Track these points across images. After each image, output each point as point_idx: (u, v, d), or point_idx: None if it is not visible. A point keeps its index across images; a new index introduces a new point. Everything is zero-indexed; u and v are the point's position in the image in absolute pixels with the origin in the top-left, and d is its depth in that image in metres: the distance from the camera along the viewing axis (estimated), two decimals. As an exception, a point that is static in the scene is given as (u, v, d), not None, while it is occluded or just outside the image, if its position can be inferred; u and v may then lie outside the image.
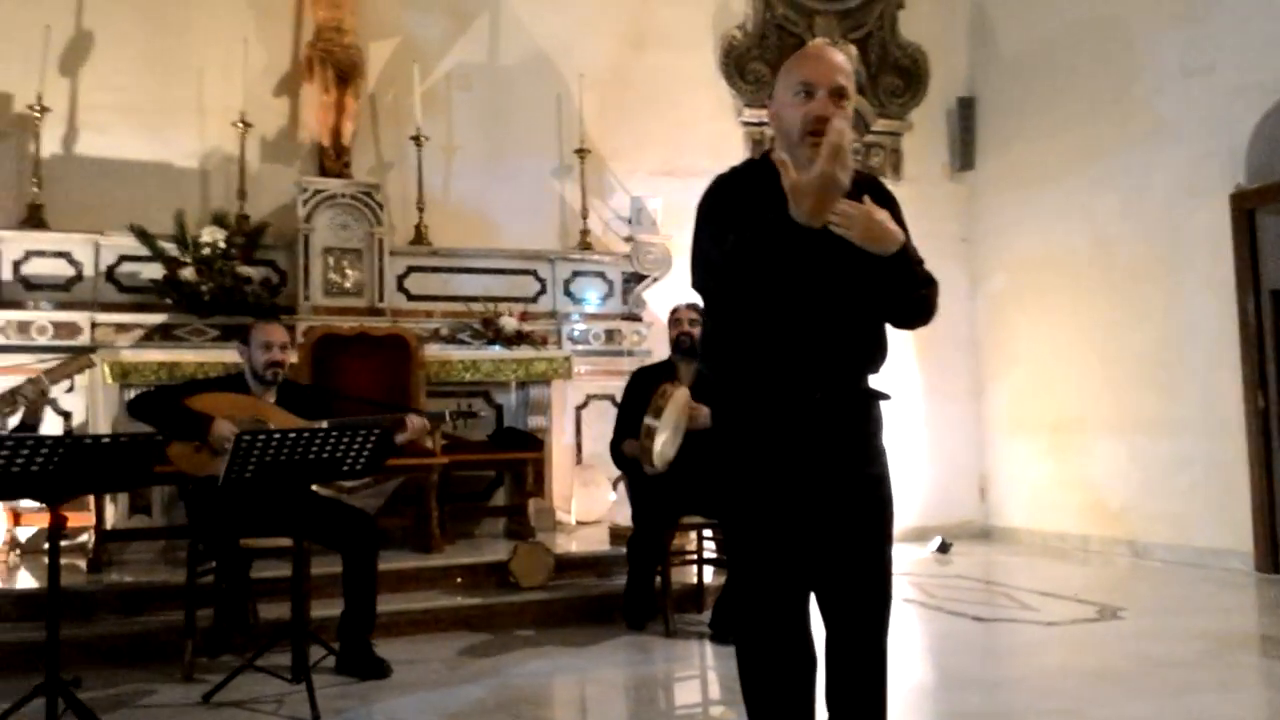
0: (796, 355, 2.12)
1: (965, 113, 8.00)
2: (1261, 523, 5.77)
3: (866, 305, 2.14)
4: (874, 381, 2.25)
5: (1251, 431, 5.84)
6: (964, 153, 8.00)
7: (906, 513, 7.36)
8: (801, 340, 2.10)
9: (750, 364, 2.15)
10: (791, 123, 2.10)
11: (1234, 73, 5.97)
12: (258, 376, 4.10)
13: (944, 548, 6.98)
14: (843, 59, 2.18)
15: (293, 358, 4.22)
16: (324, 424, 4.04)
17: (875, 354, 2.22)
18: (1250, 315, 5.87)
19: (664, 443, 4.23)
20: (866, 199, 2.07)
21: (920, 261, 2.15)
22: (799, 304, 2.09)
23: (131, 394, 5.13)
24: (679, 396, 4.27)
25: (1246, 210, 5.92)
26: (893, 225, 2.07)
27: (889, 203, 2.23)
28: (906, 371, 7.54)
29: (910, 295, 2.15)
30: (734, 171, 2.26)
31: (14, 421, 3.46)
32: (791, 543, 2.14)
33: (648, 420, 4.20)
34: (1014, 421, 7.60)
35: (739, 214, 2.08)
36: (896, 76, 7.99)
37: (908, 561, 6.55)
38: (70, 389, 5.57)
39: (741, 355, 2.16)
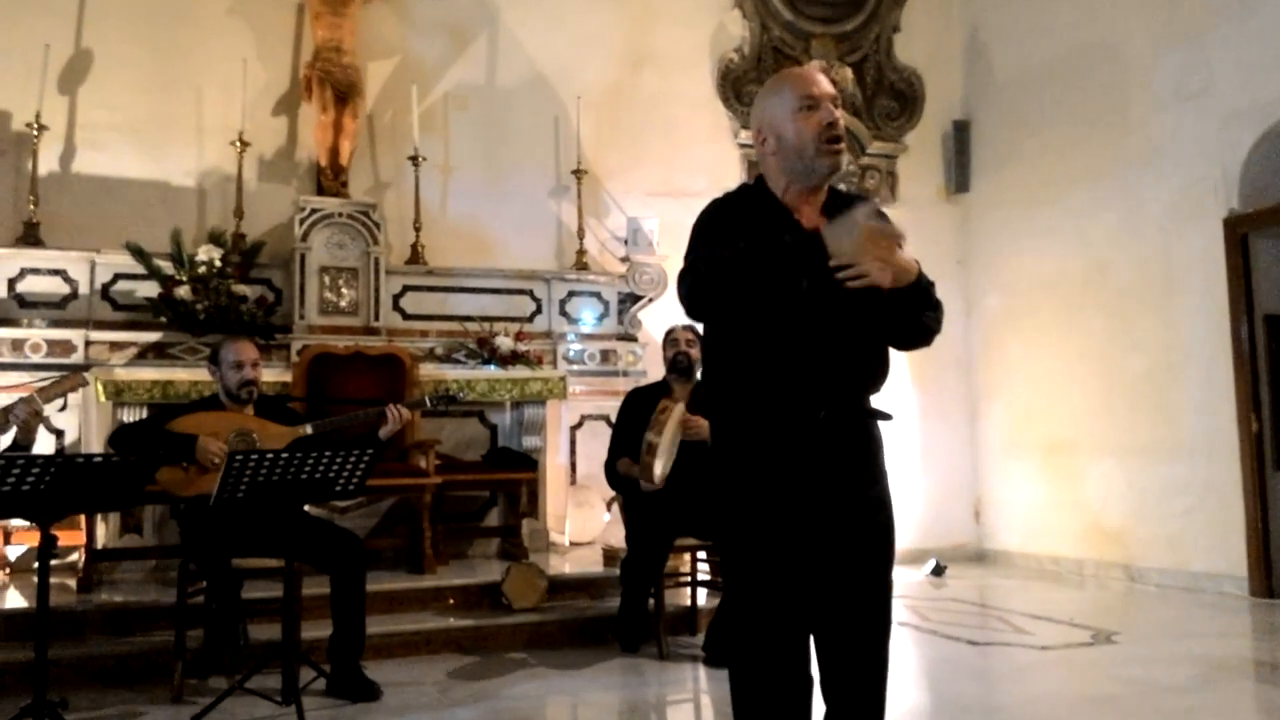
0: (800, 373, 2.10)
1: (960, 135, 8.04)
2: (1256, 547, 5.76)
3: (870, 325, 2.14)
4: (875, 402, 2.25)
5: (1246, 455, 5.84)
6: (959, 175, 8.03)
7: (900, 535, 7.24)
8: (805, 358, 2.09)
9: (753, 383, 2.13)
10: (804, 136, 2.12)
11: (1228, 97, 6.01)
12: (232, 395, 4.09)
13: (938, 570, 6.97)
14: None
15: (264, 374, 4.19)
16: (308, 428, 4.06)
17: (878, 373, 2.21)
18: (1244, 339, 5.89)
19: (664, 459, 4.28)
20: None
21: (932, 284, 2.18)
22: (802, 322, 2.09)
23: (124, 414, 5.15)
24: (677, 412, 4.33)
25: (1240, 234, 5.95)
26: (906, 255, 2.08)
27: None
28: (901, 393, 7.54)
29: (925, 317, 2.17)
30: (730, 196, 2.27)
31: (6, 441, 3.44)
32: (792, 567, 2.11)
33: (650, 437, 4.25)
34: (1008, 444, 7.60)
35: (734, 235, 2.09)
36: (892, 99, 8.04)
37: (901, 584, 6.53)
38: (63, 407, 5.56)
39: (744, 375, 2.14)
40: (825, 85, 2.15)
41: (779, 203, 2.19)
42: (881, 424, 2.23)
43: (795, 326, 2.08)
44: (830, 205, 2.20)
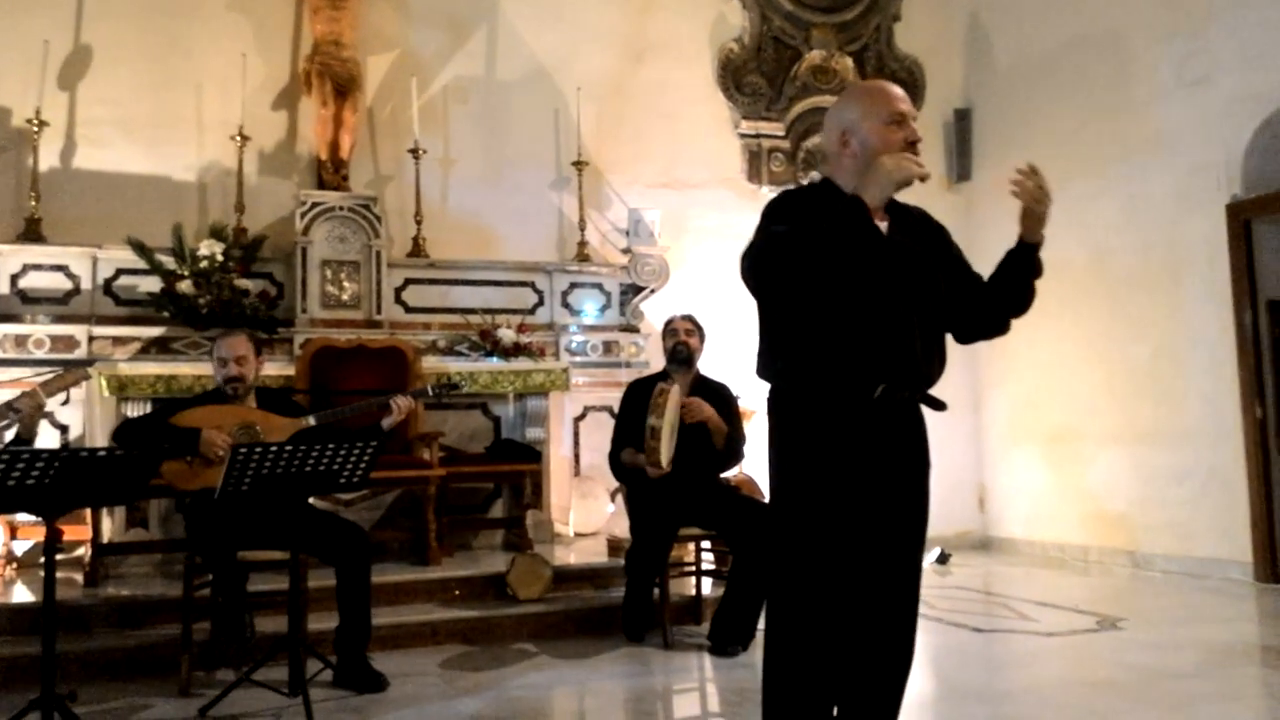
0: (858, 350, 2.20)
1: (962, 124, 8.02)
2: (1260, 532, 5.76)
3: (932, 311, 2.29)
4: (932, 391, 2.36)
5: (1250, 441, 5.83)
6: (961, 164, 8.02)
7: (905, 524, 7.33)
8: (864, 335, 2.20)
9: (812, 360, 2.22)
10: (890, 147, 2.30)
11: (1230, 84, 5.99)
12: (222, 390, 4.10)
13: (943, 559, 6.97)
14: None
15: (252, 369, 4.10)
16: (311, 419, 4.05)
17: (934, 357, 2.33)
18: (1247, 325, 5.88)
19: (668, 443, 4.33)
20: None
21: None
22: (867, 305, 2.20)
23: (128, 409, 5.16)
24: (675, 395, 4.38)
25: (1243, 220, 5.94)
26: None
27: (940, 231, 2.48)
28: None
29: (1034, 281, 2.47)
30: (800, 190, 2.44)
31: (9, 436, 3.45)
32: (845, 544, 2.19)
33: (652, 421, 4.29)
34: (1013, 432, 7.60)
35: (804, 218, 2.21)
36: (893, 88, 8.01)
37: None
38: (66, 402, 5.57)
39: (804, 351, 2.23)
40: (911, 108, 2.36)
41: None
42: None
43: (855, 303, 2.19)
44: (891, 211, 2.32)
